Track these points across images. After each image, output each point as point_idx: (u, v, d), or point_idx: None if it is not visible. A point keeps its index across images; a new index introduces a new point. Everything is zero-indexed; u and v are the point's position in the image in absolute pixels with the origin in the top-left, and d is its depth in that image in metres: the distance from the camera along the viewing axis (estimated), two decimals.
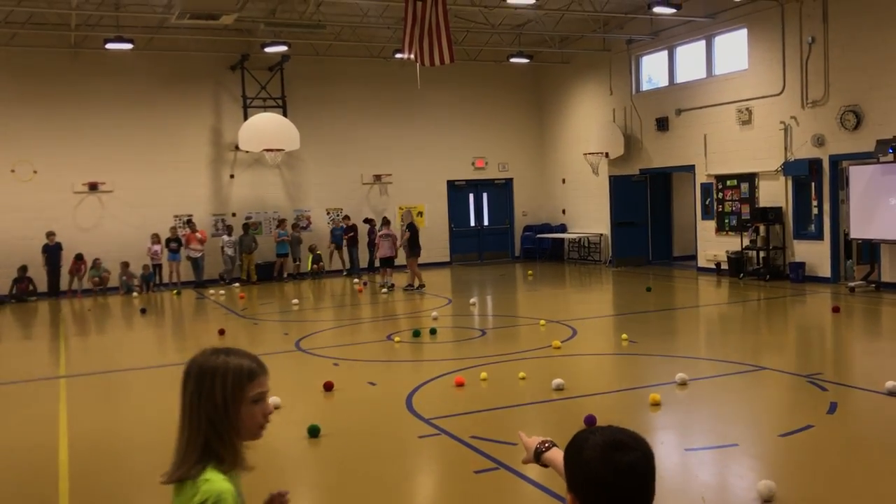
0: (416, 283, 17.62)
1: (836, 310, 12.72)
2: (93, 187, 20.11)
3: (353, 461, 6.31)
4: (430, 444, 6.67)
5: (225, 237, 20.78)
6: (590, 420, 6.75)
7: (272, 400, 7.99)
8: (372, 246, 22.32)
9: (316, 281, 20.98)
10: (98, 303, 18.29)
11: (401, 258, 18.62)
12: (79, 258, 19.46)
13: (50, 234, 19.27)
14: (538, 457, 2.25)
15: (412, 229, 17.61)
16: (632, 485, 1.62)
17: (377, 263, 20.05)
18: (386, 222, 19.29)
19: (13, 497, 5.54)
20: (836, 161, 15.86)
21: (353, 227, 21.99)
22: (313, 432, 6.84)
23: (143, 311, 16.31)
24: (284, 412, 7.75)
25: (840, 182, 15.87)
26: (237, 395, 2.18)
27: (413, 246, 17.50)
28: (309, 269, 21.61)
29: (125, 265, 19.79)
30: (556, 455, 2.18)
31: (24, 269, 19.05)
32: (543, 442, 2.27)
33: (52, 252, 19.28)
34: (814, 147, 16.17)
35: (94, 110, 20.06)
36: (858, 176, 14.94)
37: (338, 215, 22.49)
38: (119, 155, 20.27)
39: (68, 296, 19.33)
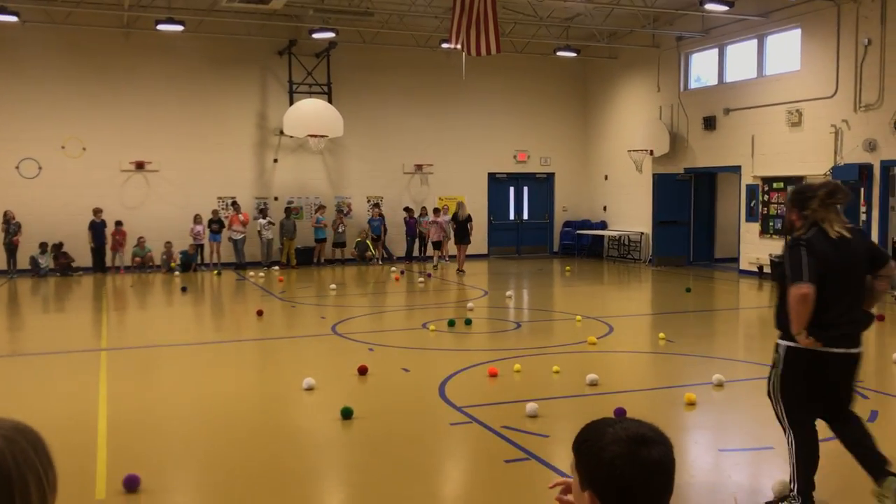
0: (462, 267, 19.77)
1: (880, 318, 12.43)
2: (139, 166, 20.45)
3: (384, 444, 6.35)
4: (462, 431, 6.68)
5: (261, 220, 20.97)
6: (619, 413, 6.70)
7: (307, 380, 8.12)
8: (411, 235, 22.44)
9: (364, 267, 21.10)
10: (140, 279, 18.62)
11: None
12: (119, 224, 19.77)
13: (97, 211, 19.64)
14: None
15: (456, 220, 19.74)
16: (659, 480, 1.55)
17: (429, 248, 21.86)
18: (436, 211, 21.50)
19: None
20: (887, 167, 15.50)
21: (381, 217, 22.09)
22: (346, 414, 6.88)
23: (184, 289, 16.56)
24: (318, 394, 7.83)
25: (891, 188, 15.50)
26: None
27: (459, 235, 19.67)
28: (352, 254, 21.80)
29: (168, 244, 20.11)
30: None
31: (59, 245, 19.42)
32: None
33: (97, 229, 19.65)
34: (865, 152, 15.82)
35: (143, 90, 20.37)
36: None
37: (376, 205, 22.56)
38: (166, 135, 20.58)
39: (111, 271, 19.71)
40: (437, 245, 21.34)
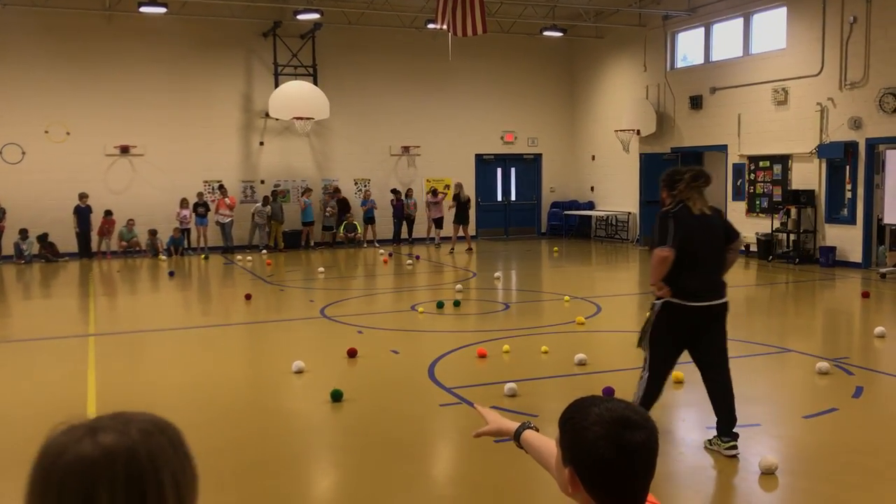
0: (464, 246, 20.44)
1: (865, 295, 12.55)
2: (124, 150, 20.29)
3: (374, 426, 6.37)
4: (451, 412, 6.71)
5: (259, 206, 20.88)
6: (608, 392, 6.74)
7: (296, 363, 8.13)
8: (398, 217, 22.41)
9: (352, 250, 21.08)
10: (127, 265, 18.53)
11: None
12: (108, 214, 19.66)
13: (82, 196, 19.48)
14: (517, 437, 2.17)
15: (457, 200, 20.27)
16: (640, 464, 1.54)
17: (431, 226, 22.13)
18: (434, 192, 22.03)
19: None
20: (872, 144, 15.57)
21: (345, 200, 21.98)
22: (336, 397, 6.90)
23: (171, 274, 16.50)
24: (308, 377, 7.84)
25: (876, 166, 15.59)
26: None
27: (459, 214, 20.30)
28: (342, 236, 21.76)
29: (153, 233, 19.98)
30: (537, 440, 2.11)
31: (44, 236, 19.22)
32: (525, 423, 2.18)
33: (83, 214, 19.52)
34: (850, 130, 15.88)
35: (126, 73, 20.18)
36: (895, 160, 14.66)
37: (365, 187, 22.54)
38: (150, 119, 20.42)
39: (98, 257, 19.60)
40: (439, 223, 21.72)
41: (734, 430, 5.52)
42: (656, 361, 5.65)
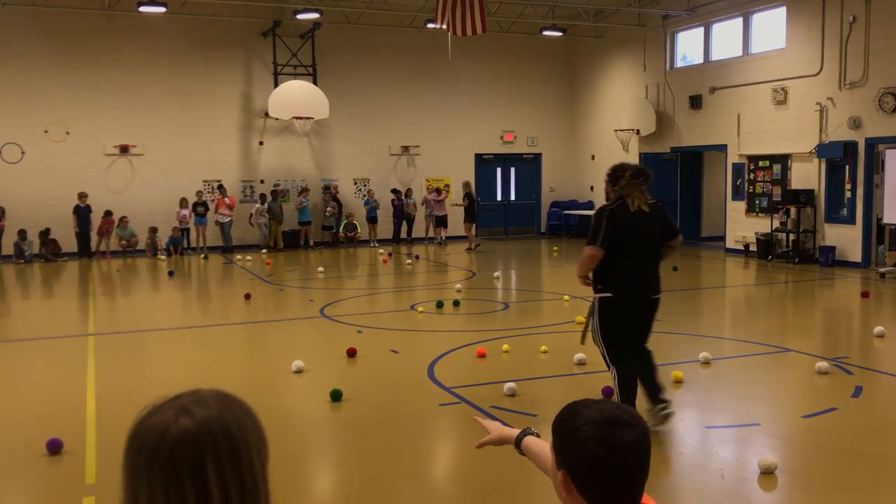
0: (472, 245, 20.50)
1: (865, 295, 12.56)
2: (124, 150, 20.29)
3: (373, 426, 6.37)
4: (451, 412, 6.71)
5: (258, 205, 20.88)
6: (607, 392, 6.75)
7: (295, 363, 8.14)
8: (398, 217, 22.42)
9: (352, 250, 21.08)
10: (126, 264, 18.53)
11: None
12: (108, 214, 19.67)
13: (82, 196, 19.47)
14: (518, 444, 2.16)
15: (470, 198, 20.51)
16: (632, 464, 1.53)
17: (433, 224, 22.13)
18: (437, 191, 22.09)
19: (42, 450, 5.66)
20: (872, 144, 15.58)
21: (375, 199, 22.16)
22: (335, 396, 6.90)
23: (171, 273, 16.50)
24: (308, 376, 7.84)
25: (875, 166, 15.59)
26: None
27: (469, 213, 20.52)
28: (342, 236, 21.76)
29: (153, 230, 20.00)
30: (537, 445, 2.10)
31: (46, 231, 19.26)
32: (526, 429, 2.18)
33: (82, 213, 19.51)
34: (850, 129, 15.88)
35: (126, 73, 20.18)
36: (894, 160, 14.66)
37: (364, 186, 22.56)
38: (150, 118, 20.42)
39: (97, 257, 19.60)
40: (443, 221, 21.91)
41: (661, 395, 5.98)
42: (615, 354, 5.94)
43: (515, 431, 2.23)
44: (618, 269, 5.83)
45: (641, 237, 5.85)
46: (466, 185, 21.04)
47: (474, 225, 20.79)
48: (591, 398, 1.65)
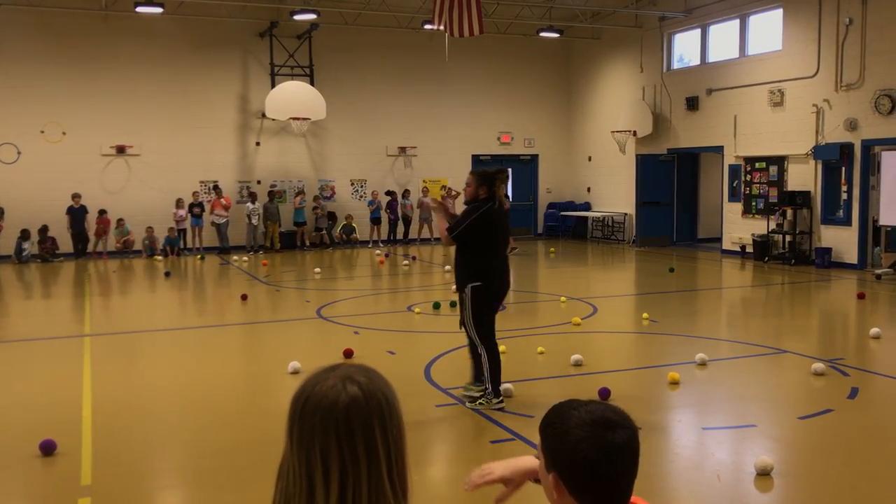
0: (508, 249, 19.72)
1: (861, 296, 12.58)
2: (120, 150, 20.26)
3: None
4: (448, 413, 6.71)
5: (249, 205, 20.87)
6: (604, 393, 6.76)
7: (292, 364, 8.13)
8: (395, 218, 22.41)
9: (348, 251, 21.07)
10: (123, 265, 18.50)
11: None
12: (102, 213, 19.63)
13: (75, 197, 19.44)
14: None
15: (509, 199, 19.37)
16: (623, 464, 1.54)
17: (423, 226, 22.03)
18: (449, 190, 21.11)
19: (37, 451, 5.65)
20: (868, 146, 15.61)
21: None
22: None
23: (168, 274, 16.48)
24: (304, 377, 7.83)
25: (871, 168, 15.62)
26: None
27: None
28: (338, 236, 21.76)
29: (150, 229, 20.00)
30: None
31: (44, 229, 19.25)
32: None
33: (76, 214, 19.47)
34: (846, 131, 15.91)
35: (123, 73, 20.15)
36: (890, 162, 14.70)
37: (362, 187, 22.57)
38: (147, 119, 20.39)
39: (94, 257, 19.57)
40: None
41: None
42: (485, 335, 6.59)
43: (527, 460, 1.95)
44: (488, 261, 6.57)
45: (504, 232, 6.75)
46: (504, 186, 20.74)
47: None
48: (577, 399, 1.65)
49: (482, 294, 6.54)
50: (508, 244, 6.96)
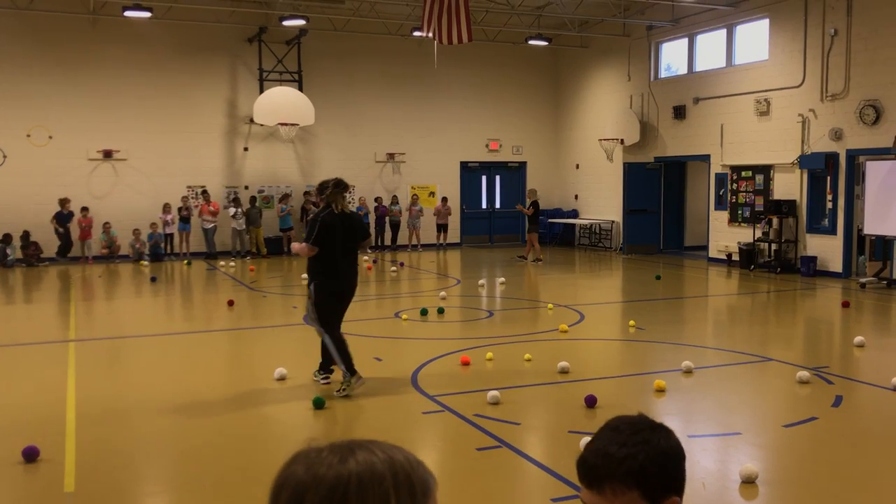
0: (531, 257, 19.41)
1: (845, 305, 12.67)
2: (107, 155, 20.17)
3: (356, 434, 6.34)
4: (434, 420, 6.71)
5: (231, 209, 20.79)
6: (590, 399, 6.77)
7: (278, 370, 8.10)
8: (382, 224, 22.41)
9: None
10: (108, 269, 18.40)
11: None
12: (84, 210, 19.50)
13: (64, 202, 19.33)
14: None
15: (536, 207, 19.13)
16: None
17: (412, 233, 22.69)
18: (444, 199, 23.00)
19: (20, 458, 5.60)
20: (853, 155, 15.74)
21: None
22: (318, 404, 6.88)
23: (154, 279, 16.39)
24: (290, 384, 7.81)
25: (856, 177, 15.75)
26: None
27: (533, 222, 19.28)
28: None
29: (136, 232, 19.91)
30: None
31: (26, 234, 19.10)
32: None
33: (63, 219, 19.35)
34: (831, 141, 16.05)
35: (110, 77, 20.08)
36: (875, 171, 14.82)
37: (350, 193, 22.57)
38: (134, 123, 20.31)
39: (81, 261, 19.45)
40: (443, 227, 22.85)
41: (354, 367, 7.43)
42: (324, 322, 7.48)
43: None
44: (329, 262, 7.41)
45: (344, 236, 7.44)
46: (533, 192, 19.79)
47: (537, 235, 19.46)
48: (617, 417, 1.59)
49: (324, 291, 7.42)
50: (353, 247, 7.60)
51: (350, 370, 7.33)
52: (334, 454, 1.18)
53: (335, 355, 7.39)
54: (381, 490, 1.13)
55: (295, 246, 7.68)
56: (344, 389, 7.25)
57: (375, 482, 1.13)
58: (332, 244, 7.38)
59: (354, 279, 7.70)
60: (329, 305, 7.49)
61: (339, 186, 7.55)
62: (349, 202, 21.51)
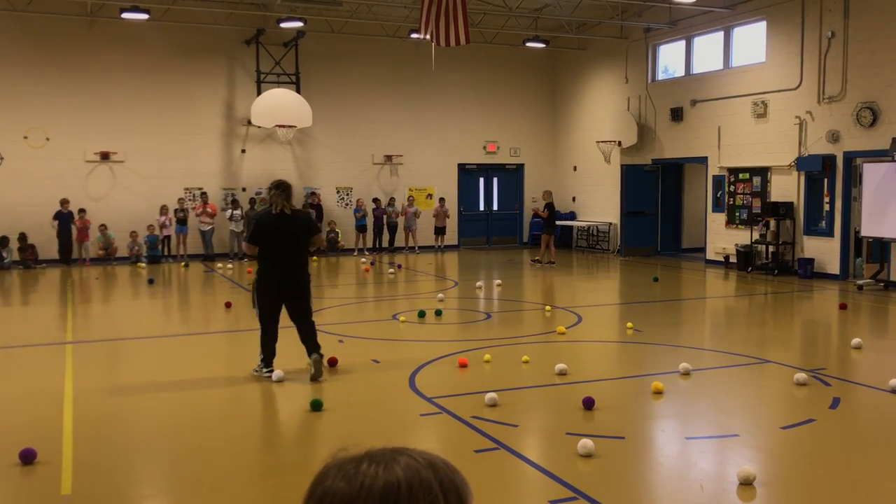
0: (545, 260, 19.13)
1: (843, 307, 12.68)
2: (105, 157, 20.16)
3: (354, 436, 6.33)
4: (432, 422, 6.70)
5: (230, 211, 20.78)
6: (588, 401, 6.77)
7: (276, 373, 8.10)
8: (379, 226, 22.41)
9: (333, 259, 21.04)
10: (106, 271, 18.38)
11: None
12: (82, 211, 19.46)
13: (63, 202, 19.31)
14: None
15: (551, 208, 18.97)
16: None
17: (408, 235, 22.67)
18: (441, 200, 22.96)
19: (17, 460, 5.59)
20: (850, 158, 15.77)
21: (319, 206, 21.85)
22: (316, 406, 6.87)
23: (151, 281, 16.38)
24: (288, 386, 7.81)
25: (853, 179, 15.77)
26: None
27: (549, 224, 18.97)
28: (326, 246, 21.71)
29: (134, 234, 19.89)
30: None
31: (23, 237, 19.06)
32: None
33: (64, 220, 19.33)
34: (828, 143, 16.07)
35: (108, 79, 20.07)
36: (872, 174, 14.85)
37: (347, 195, 22.57)
38: (131, 125, 20.30)
39: (79, 263, 19.43)
40: (441, 231, 22.90)
41: (316, 350, 7.93)
42: (262, 314, 7.97)
43: None
44: (268, 260, 7.82)
45: (282, 234, 7.76)
46: (549, 193, 19.59)
47: (552, 238, 19.10)
48: None
49: (261, 286, 7.89)
50: (296, 245, 7.88)
51: (265, 363, 8.00)
52: (375, 463, 1.15)
53: (260, 345, 8.03)
54: (431, 496, 1.11)
55: (242, 245, 8.13)
56: (255, 371, 8.04)
57: (425, 488, 1.12)
58: (270, 243, 7.74)
59: (298, 277, 7.96)
60: (267, 300, 7.89)
61: (280, 188, 7.88)
62: (315, 200, 21.87)
